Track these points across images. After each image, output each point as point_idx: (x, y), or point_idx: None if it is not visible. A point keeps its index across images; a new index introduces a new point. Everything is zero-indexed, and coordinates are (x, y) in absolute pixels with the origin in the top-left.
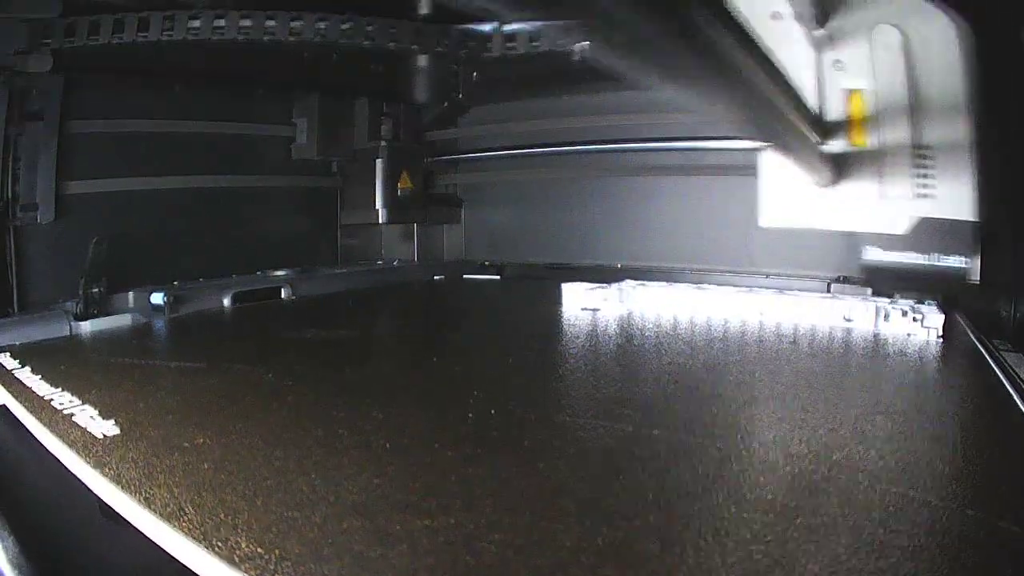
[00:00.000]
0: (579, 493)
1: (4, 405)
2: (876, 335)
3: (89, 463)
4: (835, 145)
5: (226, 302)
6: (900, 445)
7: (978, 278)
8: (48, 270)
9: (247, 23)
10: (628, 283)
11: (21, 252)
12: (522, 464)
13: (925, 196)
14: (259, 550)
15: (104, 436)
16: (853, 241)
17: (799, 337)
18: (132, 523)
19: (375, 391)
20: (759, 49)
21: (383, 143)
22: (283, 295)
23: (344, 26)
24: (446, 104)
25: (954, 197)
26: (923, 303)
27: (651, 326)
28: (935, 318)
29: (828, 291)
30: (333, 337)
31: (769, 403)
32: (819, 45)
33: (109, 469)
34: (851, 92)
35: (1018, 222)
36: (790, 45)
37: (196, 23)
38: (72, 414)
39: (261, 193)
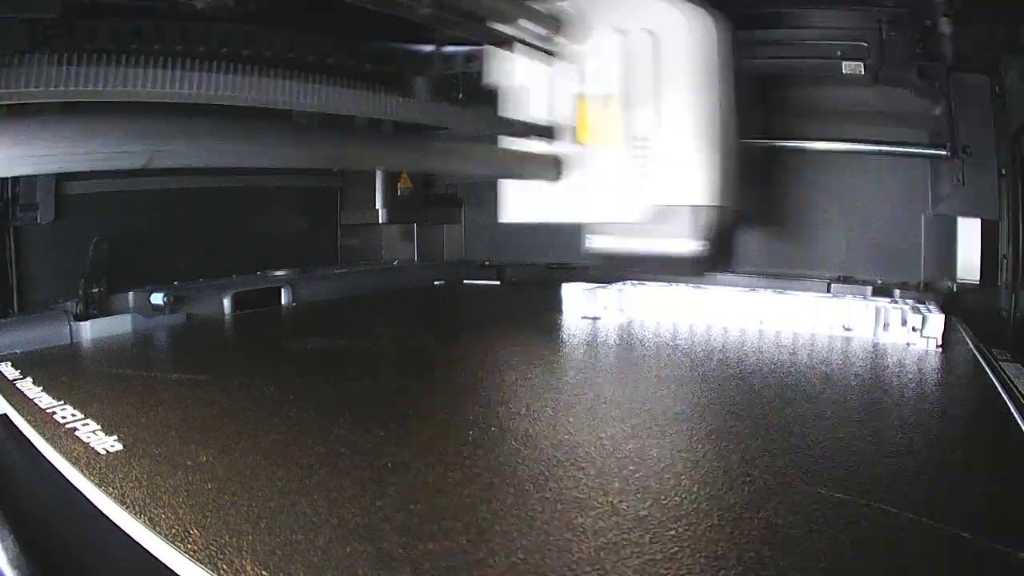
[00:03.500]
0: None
1: (5, 414)
2: (875, 344)
3: (93, 481)
4: (566, 146)
5: (226, 302)
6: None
7: (978, 278)
8: (48, 270)
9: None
10: (628, 284)
11: (21, 252)
12: (525, 484)
13: (650, 185)
14: (264, 573)
15: (107, 452)
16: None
17: (799, 348)
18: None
19: (376, 407)
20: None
21: None
22: (283, 296)
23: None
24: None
25: (678, 184)
26: (923, 303)
27: (651, 340)
28: (934, 327)
29: (828, 291)
30: (333, 348)
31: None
32: (549, 61)
33: (113, 488)
34: (579, 96)
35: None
36: (523, 66)
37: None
38: (74, 428)
39: (261, 193)
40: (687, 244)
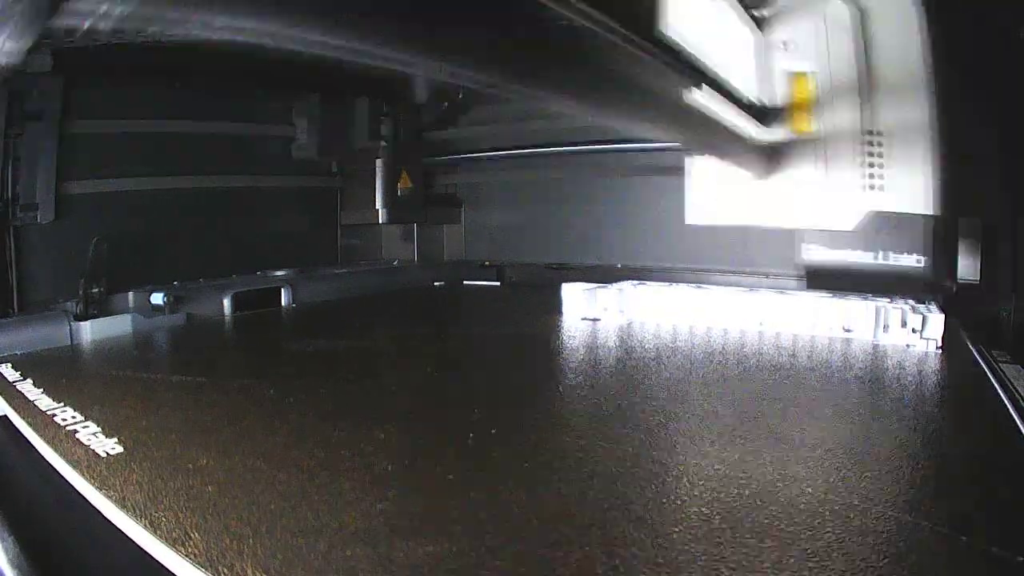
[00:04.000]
0: (580, 518)
1: (5, 416)
2: (876, 346)
3: (94, 484)
4: (775, 133)
5: (226, 302)
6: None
7: (978, 278)
8: (48, 270)
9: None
10: (628, 284)
11: (21, 252)
12: (524, 487)
13: (875, 188)
14: None
15: (107, 455)
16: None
17: (798, 351)
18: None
19: (376, 410)
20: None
21: (383, 143)
22: (283, 296)
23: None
24: (446, 104)
25: (907, 189)
26: (923, 303)
27: (651, 344)
28: (934, 328)
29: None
30: (333, 350)
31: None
32: (762, 26)
33: (114, 491)
34: (796, 75)
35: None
36: (728, 28)
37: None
38: (75, 431)
39: (261, 193)
40: (920, 260)
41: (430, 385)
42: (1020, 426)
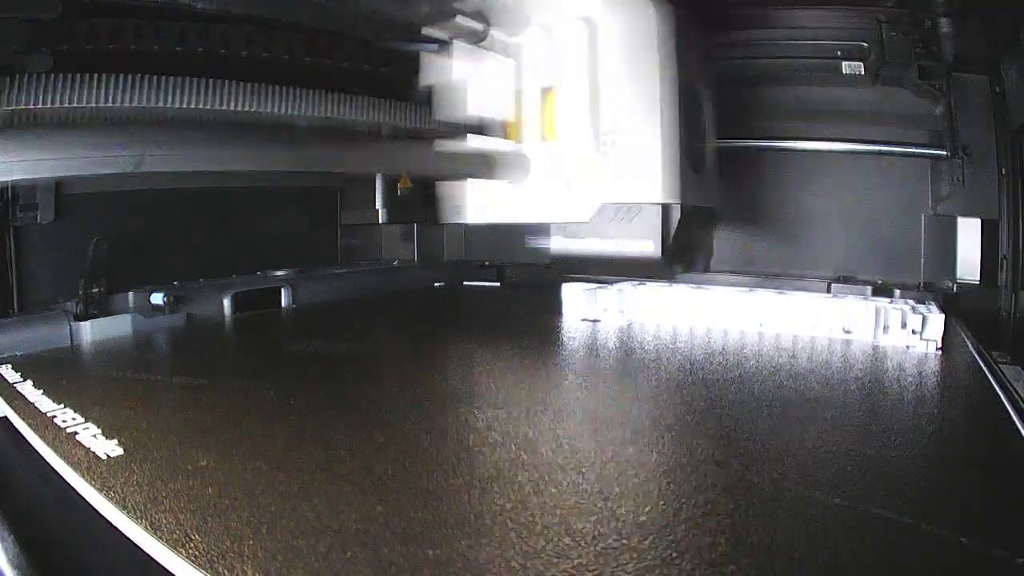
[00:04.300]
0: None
1: (5, 417)
2: (875, 347)
3: (94, 485)
4: (529, 145)
5: (226, 302)
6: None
7: (978, 278)
8: (48, 270)
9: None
10: (627, 284)
11: (21, 252)
12: (525, 489)
13: (609, 182)
14: None
15: (108, 456)
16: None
17: (798, 351)
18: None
19: (376, 411)
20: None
21: None
22: (283, 296)
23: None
24: None
25: (640, 181)
26: (923, 303)
27: (651, 345)
28: (934, 329)
29: (828, 291)
30: (334, 351)
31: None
32: (514, 53)
33: (115, 493)
34: (545, 91)
35: (1017, 222)
36: (487, 60)
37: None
38: (75, 432)
39: (261, 193)
40: (646, 245)
41: (429, 387)
42: (1020, 428)
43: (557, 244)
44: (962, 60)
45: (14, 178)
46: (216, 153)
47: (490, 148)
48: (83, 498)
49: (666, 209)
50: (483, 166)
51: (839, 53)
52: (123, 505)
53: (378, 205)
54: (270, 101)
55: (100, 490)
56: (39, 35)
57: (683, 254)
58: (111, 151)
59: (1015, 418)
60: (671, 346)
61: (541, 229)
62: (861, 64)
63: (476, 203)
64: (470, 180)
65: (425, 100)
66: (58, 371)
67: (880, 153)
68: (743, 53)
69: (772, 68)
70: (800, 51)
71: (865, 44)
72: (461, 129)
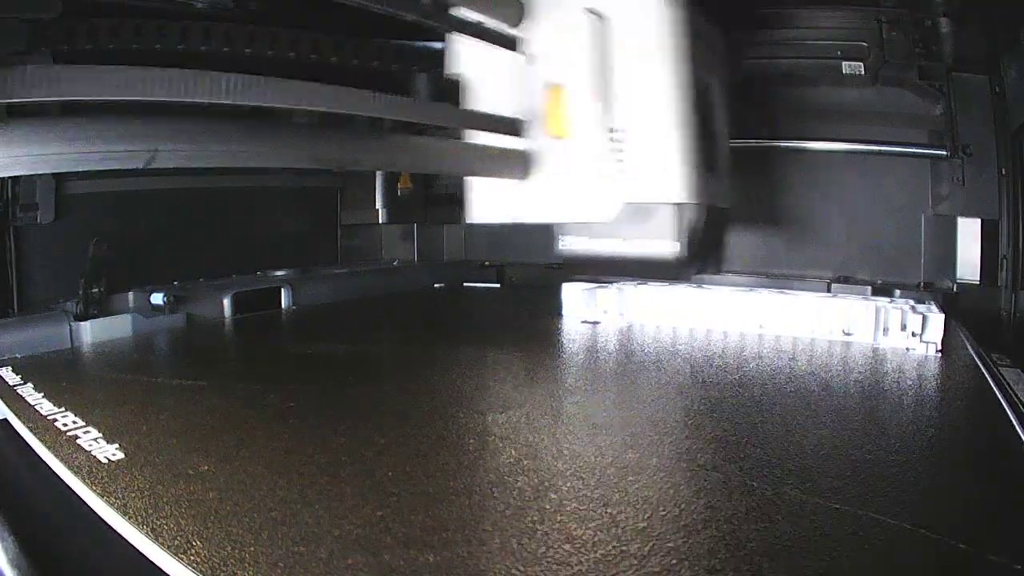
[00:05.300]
0: (578, 531)
1: (5, 419)
2: (875, 349)
3: (96, 491)
4: (536, 141)
5: (226, 302)
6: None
7: (978, 278)
8: (48, 270)
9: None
10: (627, 284)
11: (21, 252)
12: (525, 494)
13: (625, 181)
14: None
15: (108, 461)
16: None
17: (798, 354)
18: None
19: (377, 414)
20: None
21: None
22: (283, 296)
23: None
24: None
25: (656, 179)
26: (923, 303)
27: (651, 348)
28: (934, 331)
29: (828, 291)
30: (334, 354)
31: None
32: (520, 45)
33: (116, 498)
34: (551, 86)
35: (1017, 222)
36: (488, 53)
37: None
38: (76, 436)
39: (261, 193)
40: (664, 245)
41: (429, 391)
42: (1020, 432)
43: (570, 244)
44: (962, 60)
45: (26, 172)
46: (244, 149)
47: (510, 146)
48: (84, 503)
49: (682, 209)
50: (509, 164)
51: (839, 53)
52: (124, 510)
53: (378, 205)
54: (293, 96)
55: (101, 495)
56: (39, 35)
57: (701, 255)
58: (123, 146)
59: (1014, 422)
60: (671, 348)
61: (555, 229)
62: (861, 64)
63: (493, 202)
64: (490, 179)
65: (445, 96)
66: (58, 373)
67: (880, 153)
68: (749, 54)
69: (772, 68)
70: (800, 51)
71: (865, 44)
72: (484, 125)
